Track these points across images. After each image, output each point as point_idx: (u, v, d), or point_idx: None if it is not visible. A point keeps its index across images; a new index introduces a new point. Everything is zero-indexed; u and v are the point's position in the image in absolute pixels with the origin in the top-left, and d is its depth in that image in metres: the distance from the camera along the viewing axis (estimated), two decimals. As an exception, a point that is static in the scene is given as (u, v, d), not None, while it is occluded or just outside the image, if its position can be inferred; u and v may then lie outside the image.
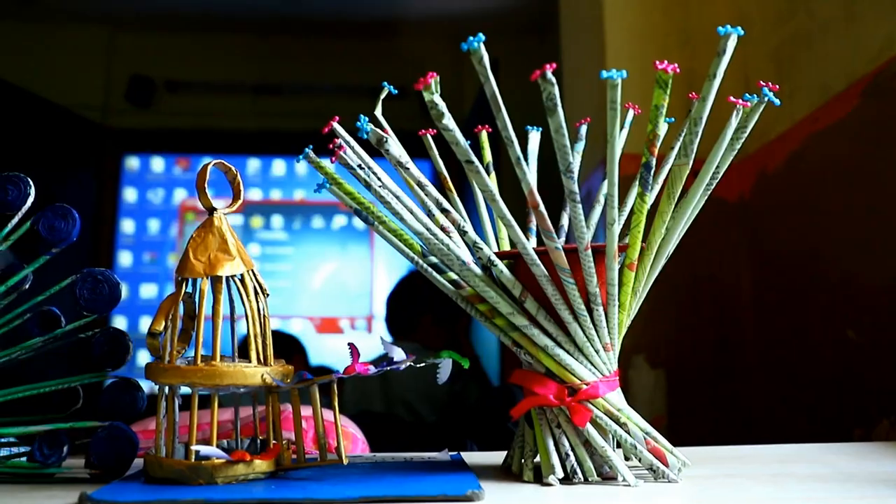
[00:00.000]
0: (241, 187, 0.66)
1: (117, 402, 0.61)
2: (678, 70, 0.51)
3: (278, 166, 3.91)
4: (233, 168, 0.65)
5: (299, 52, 3.82)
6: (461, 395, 1.87)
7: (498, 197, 0.56)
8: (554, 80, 0.49)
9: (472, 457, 0.71)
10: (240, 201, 0.66)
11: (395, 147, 0.58)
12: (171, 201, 3.82)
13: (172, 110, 3.78)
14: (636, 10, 1.65)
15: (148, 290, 3.68)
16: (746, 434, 1.53)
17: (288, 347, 2.40)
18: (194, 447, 0.55)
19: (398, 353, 0.57)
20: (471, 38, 0.50)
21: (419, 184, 0.60)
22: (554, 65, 0.49)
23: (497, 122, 0.52)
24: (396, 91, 0.67)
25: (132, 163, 3.84)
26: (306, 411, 0.76)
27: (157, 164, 3.86)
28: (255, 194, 3.86)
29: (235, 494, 0.52)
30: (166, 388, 0.59)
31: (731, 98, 0.56)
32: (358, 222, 3.89)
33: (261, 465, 0.58)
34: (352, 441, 0.88)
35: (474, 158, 0.54)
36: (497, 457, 0.70)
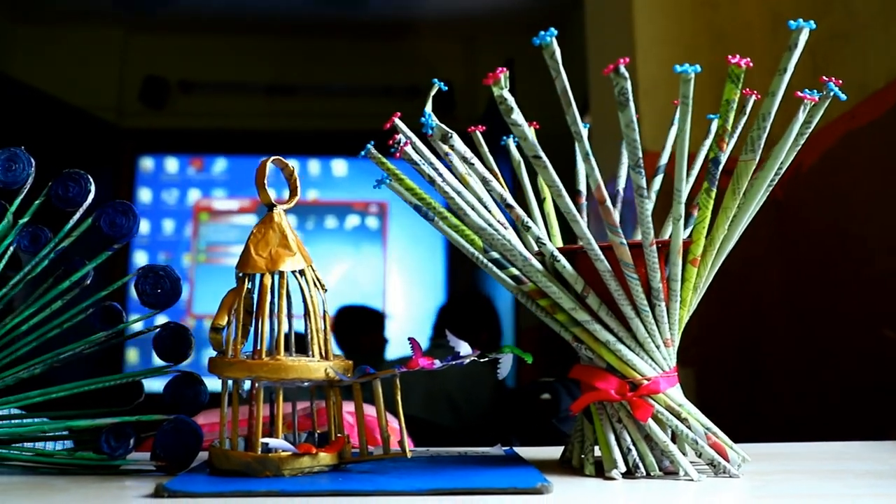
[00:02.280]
0: (298, 183, 0.67)
1: (180, 396, 0.62)
2: (751, 64, 0.51)
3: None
4: (290, 164, 0.66)
5: (312, 52, 3.83)
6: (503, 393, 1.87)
7: (564, 192, 0.56)
8: (627, 74, 0.49)
9: (523, 452, 0.71)
10: (297, 197, 0.66)
11: (459, 143, 0.58)
12: (186, 201, 3.84)
13: (186, 111, 3.80)
14: (665, 10, 1.65)
15: (163, 290, 3.69)
16: (777, 433, 1.53)
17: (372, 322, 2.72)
18: (263, 439, 0.56)
19: (464, 348, 0.57)
20: (542, 32, 0.50)
21: (483, 180, 0.60)
22: (627, 59, 0.49)
23: (567, 118, 0.52)
24: (446, 87, 0.67)
25: (146, 163, 3.86)
26: (349, 406, 0.76)
27: (172, 164, 3.88)
28: (268, 194, 3.87)
29: (305, 486, 0.53)
30: (230, 383, 0.59)
31: (798, 93, 0.56)
32: (370, 222, 3.90)
33: (325, 457, 0.58)
34: (397, 436, 0.88)
35: (542, 154, 0.54)
36: (548, 452, 0.70)
